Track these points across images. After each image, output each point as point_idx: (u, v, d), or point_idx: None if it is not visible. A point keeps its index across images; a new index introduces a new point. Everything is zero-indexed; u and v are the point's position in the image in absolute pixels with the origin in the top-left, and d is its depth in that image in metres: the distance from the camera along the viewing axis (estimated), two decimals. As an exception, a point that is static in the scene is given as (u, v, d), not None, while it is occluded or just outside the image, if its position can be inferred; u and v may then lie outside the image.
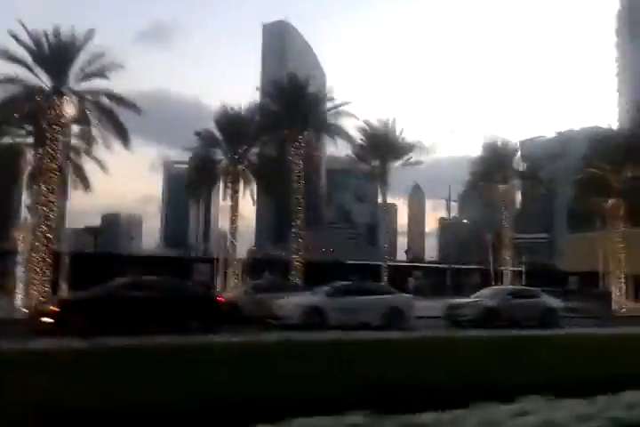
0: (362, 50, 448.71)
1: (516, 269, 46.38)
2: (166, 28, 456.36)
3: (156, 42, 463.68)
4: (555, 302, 23.44)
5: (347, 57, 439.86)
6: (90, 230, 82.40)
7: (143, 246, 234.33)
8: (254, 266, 35.51)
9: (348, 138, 36.23)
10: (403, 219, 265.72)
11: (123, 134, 26.27)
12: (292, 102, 29.37)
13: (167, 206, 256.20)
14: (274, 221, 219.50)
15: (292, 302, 18.77)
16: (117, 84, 26.31)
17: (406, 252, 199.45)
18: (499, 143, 43.67)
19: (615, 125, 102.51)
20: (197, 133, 36.11)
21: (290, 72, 28.60)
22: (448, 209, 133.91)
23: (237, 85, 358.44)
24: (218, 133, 35.09)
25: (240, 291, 21.17)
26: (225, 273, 33.38)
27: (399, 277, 39.97)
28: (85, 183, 29.70)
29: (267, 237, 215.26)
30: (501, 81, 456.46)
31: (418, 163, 41.03)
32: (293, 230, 33.84)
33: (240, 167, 34.40)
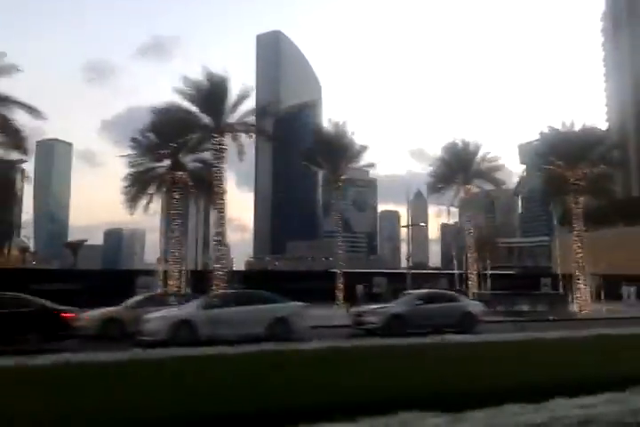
0: (355, 57, 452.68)
1: (496, 272, 45.26)
2: (165, 43, 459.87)
3: (155, 56, 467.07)
4: (474, 306, 22.01)
5: (340, 65, 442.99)
6: (69, 245, 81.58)
7: (147, 261, 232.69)
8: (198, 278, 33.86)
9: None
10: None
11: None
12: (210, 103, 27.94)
13: (166, 220, 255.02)
14: (269, 231, 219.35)
15: (159, 316, 17.10)
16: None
17: (407, 259, 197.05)
18: (459, 144, 42.43)
19: (604, 126, 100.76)
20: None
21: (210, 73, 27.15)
22: (448, 215, 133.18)
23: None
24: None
25: (122, 306, 19.77)
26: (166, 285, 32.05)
27: (357, 284, 38.66)
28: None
29: (264, 248, 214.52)
30: (494, 86, 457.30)
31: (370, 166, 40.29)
32: (215, 239, 31.28)
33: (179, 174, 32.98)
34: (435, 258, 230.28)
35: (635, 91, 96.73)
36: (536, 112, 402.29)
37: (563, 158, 35.23)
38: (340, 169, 39.75)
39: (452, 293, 23.65)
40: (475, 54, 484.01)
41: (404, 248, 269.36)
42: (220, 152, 28.67)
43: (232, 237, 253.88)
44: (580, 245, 35.21)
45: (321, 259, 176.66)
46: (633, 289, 37.71)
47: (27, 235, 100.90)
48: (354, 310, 21.28)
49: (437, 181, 42.64)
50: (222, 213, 29.69)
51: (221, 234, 29.74)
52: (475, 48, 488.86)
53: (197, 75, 28.29)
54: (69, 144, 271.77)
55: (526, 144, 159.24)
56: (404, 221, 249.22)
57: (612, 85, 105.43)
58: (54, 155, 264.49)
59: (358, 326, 19.96)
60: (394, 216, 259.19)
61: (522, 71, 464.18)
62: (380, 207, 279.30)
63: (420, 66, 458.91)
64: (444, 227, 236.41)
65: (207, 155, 31.69)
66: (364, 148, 39.99)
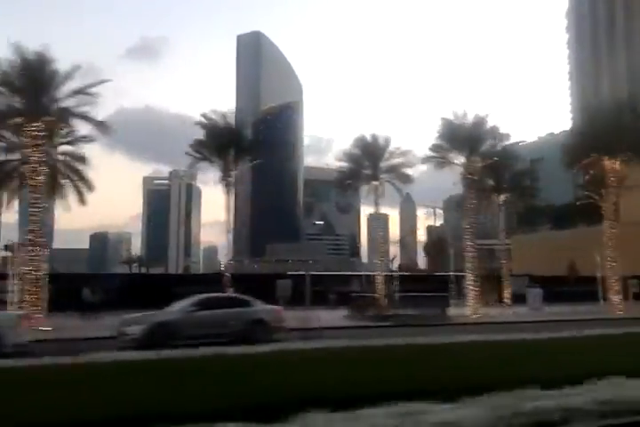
0: (336, 58, 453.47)
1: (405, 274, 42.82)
2: (153, 45, 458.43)
3: (143, 59, 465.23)
4: (268, 313, 19.03)
5: (321, 66, 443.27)
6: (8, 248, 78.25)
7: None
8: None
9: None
10: (396, 229, 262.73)
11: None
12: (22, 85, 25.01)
13: (147, 222, 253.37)
14: (248, 233, 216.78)
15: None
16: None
17: (392, 261, 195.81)
18: (368, 138, 39.90)
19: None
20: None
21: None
22: (434, 217, 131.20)
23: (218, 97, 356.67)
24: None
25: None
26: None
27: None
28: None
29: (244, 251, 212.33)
30: (470, 85, 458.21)
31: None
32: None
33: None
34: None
35: (598, 93, 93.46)
36: (506, 113, 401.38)
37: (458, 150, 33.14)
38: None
39: (243, 297, 20.05)
40: (454, 55, 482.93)
41: (393, 251, 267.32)
42: (34, 139, 25.15)
43: (218, 239, 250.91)
44: (471, 244, 33.15)
45: (300, 261, 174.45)
46: (537, 291, 35.20)
47: (10, 239, 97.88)
48: (122, 318, 18.20)
49: (345, 177, 40.30)
50: (36, 209, 25.94)
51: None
52: (455, 48, 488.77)
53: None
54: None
55: (510, 145, 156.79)
56: (394, 223, 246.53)
57: (575, 86, 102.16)
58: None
59: (121, 337, 17.16)
60: (383, 219, 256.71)
61: (492, 70, 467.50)
62: (368, 210, 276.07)
63: (400, 66, 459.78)
64: (430, 229, 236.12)
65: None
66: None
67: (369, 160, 39.10)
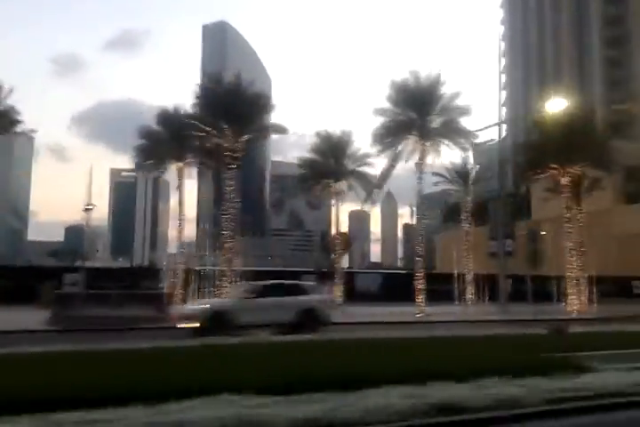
0: (303, 49, 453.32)
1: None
2: (134, 37, 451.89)
3: (124, 51, 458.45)
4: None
5: (288, 56, 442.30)
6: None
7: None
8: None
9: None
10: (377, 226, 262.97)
11: None
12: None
13: (113, 215, 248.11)
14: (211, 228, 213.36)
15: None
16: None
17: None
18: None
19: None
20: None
21: None
22: (411, 215, 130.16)
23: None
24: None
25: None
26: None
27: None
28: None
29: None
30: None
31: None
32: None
33: None
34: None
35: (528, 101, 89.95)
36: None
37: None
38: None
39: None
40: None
41: (374, 248, 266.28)
42: None
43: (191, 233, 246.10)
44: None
45: (266, 257, 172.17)
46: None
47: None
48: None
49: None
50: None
51: None
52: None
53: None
54: (31, 138, 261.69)
55: (481, 144, 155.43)
56: (374, 220, 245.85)
57: (509, 97, 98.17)
58: (14, 149, 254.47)
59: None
60: (363, 216, 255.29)
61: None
62: (344, 206, 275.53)
63: (368, 55, 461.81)
64: (406, 227, 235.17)
65: None
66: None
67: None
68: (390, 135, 30.80)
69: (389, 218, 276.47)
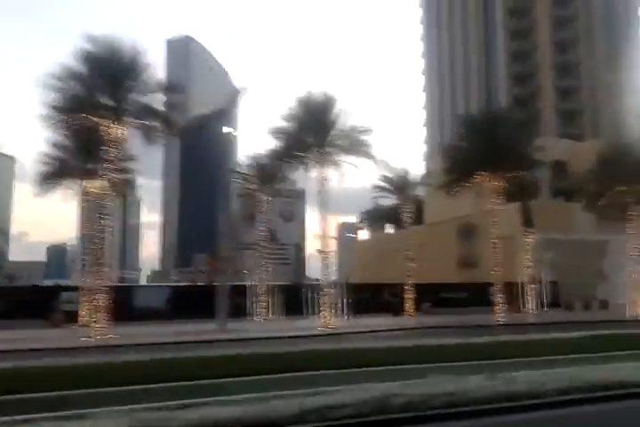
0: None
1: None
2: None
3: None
4: None
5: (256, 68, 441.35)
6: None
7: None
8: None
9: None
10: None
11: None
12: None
13: (82, 233, 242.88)
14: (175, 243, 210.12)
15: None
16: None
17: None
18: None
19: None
20: None
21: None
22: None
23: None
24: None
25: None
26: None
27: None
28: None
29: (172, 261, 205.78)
30: None
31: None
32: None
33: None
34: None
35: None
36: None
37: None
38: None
39: None
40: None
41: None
42: None
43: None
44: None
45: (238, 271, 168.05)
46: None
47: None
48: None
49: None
50: None
51: None
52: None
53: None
54: (11, 158, 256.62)
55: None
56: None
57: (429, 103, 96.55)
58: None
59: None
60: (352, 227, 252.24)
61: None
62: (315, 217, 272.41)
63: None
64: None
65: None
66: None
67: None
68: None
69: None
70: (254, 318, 30.97)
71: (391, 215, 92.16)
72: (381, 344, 15.04)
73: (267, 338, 21.11)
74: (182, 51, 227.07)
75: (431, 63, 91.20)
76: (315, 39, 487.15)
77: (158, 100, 24.54)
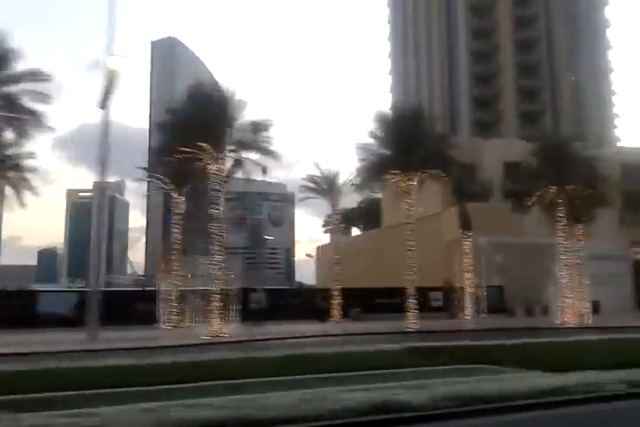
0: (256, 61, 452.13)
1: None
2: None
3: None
4: None
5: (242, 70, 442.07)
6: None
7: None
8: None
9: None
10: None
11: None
12: None
13: (70, 236, 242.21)
14: (161, 247, 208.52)
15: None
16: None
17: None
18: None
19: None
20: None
21: None
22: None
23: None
24: None
25: None
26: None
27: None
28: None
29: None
30: None
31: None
32: None
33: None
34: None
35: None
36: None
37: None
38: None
39: None
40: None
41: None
42: None
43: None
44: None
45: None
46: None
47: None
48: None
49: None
50: None
51: None
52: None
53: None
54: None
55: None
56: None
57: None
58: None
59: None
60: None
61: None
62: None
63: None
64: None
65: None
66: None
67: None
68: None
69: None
70: (162, 326, 29.30)
71: (355, 218, 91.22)
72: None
73: (130, 349, 19.45)
74: (167, 52, 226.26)
75: (397, 63, 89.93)
76: (289, 40, 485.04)
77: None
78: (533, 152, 31.43)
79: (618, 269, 43.35)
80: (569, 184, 30.20)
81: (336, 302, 32.83)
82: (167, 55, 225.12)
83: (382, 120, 29.00)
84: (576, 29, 72.90)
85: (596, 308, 39.10)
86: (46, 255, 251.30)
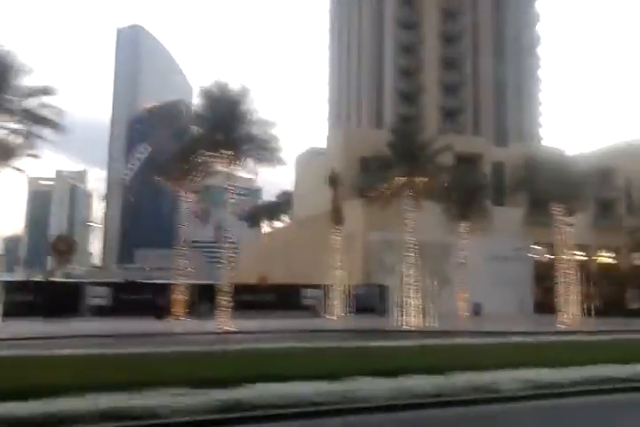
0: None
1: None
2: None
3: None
4: None
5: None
6: None
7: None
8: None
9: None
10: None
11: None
12: None
13: (29, 225, 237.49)
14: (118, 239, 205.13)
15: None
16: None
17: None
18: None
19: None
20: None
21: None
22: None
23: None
24: None
25: None
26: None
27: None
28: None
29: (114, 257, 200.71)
30: None
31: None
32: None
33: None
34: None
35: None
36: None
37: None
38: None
39: None
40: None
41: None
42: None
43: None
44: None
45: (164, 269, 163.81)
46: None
47: None
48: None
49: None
50: None
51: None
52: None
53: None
54: None
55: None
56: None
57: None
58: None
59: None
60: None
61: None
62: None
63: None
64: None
65: None
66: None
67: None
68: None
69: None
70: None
71: (268, 212, 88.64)
72: None
73: None
74: (132, 40, 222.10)
75: (333, 55, 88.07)
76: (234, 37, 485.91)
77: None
78: (387, 143, 29.47)
79: (517, 271, 41.50)
80: (415, 175, 28.16)
81: (178, 297, 30.35)
82: (131, 43, 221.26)
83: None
84: (504, 25, 71.08)
85: (476, 310, 37.12)
86: (11, 244, 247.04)
